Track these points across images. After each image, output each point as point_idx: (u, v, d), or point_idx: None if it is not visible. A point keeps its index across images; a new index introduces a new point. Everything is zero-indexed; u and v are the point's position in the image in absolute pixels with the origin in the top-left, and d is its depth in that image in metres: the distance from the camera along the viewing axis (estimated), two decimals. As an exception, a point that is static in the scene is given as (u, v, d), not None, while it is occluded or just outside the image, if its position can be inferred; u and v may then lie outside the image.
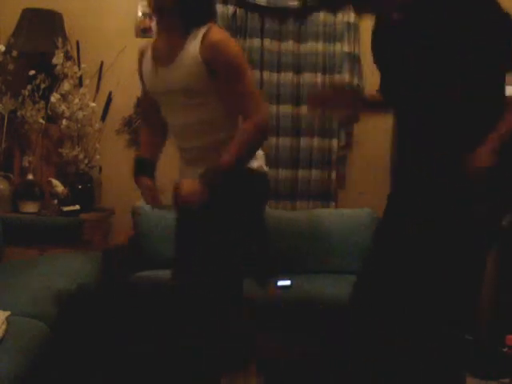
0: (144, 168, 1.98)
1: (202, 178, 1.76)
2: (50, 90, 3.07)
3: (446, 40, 1.54)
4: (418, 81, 1.63)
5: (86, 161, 3.13)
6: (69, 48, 3.13)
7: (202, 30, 1.76)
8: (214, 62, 1.75)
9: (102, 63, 3.33)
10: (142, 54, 1.97)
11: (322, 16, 3.44)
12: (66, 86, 3.07)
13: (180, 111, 1.86)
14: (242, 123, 1.82)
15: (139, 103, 1.72)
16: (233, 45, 1.80)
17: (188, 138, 1.90)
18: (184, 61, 1.77)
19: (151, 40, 1.99)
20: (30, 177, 3.04)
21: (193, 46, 1.76)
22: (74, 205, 2.98)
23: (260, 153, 1.94)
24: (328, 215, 3.26)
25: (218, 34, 1.77)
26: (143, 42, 3.43)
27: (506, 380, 2.63)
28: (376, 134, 3.35)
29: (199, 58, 1.75)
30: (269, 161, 2.26)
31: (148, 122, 2.11)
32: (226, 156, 1.76)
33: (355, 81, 3.39)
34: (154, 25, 3.35)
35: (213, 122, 1.84)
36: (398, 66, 1.68)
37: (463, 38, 1.54)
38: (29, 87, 3.04)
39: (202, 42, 1.75)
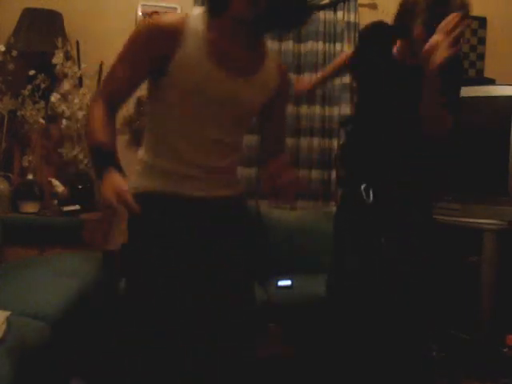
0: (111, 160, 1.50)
1: None
2: (50, 90, 3.07)
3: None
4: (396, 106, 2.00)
5: (86, 161, 3.13)
6: (69, 48, 3.14)
7: (265, 48, 1.68)
8: (283, 89, 1.71)
9: (101, 63, 3.32)
10: (179, 33, 1.51)
11: (321, 16, 3.45)
12: (66, 86, 3.07)
13: (226, 126, 1.61)
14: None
15: (112, 82, 1.43)
16: None
17: (215, 156, 1.63)
18: (265, 78, 1.64)
19: (182, 20, 1.53)
20: (30, 177, 3.04)
21: (271, 65, 1.65)
22: (73, 205, 2.98)
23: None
24: (328, 215, 3.26)
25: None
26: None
27: (506, 380, 2.63)
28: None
29: (277, 80, 1.66)
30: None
31: (115, 110, 1.71)
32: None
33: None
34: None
35: (240, 142, 1.74)
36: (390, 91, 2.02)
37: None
38: (29, 87, 3.04)
39: (279, 65, 1.69)
